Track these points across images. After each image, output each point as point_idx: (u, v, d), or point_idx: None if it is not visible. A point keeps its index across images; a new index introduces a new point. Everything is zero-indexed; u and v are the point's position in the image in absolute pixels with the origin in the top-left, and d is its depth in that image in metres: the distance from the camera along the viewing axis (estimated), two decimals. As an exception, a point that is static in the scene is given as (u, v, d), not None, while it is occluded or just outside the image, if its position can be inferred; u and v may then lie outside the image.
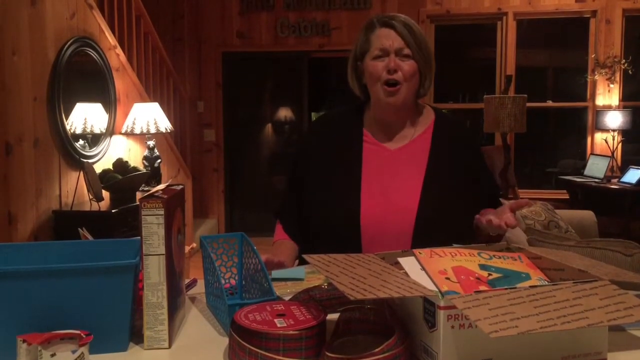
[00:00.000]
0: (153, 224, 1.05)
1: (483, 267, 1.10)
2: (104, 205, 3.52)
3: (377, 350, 0.89)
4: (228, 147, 6.50)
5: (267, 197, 6.34)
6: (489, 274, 1.08)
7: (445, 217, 1.52)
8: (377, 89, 1.54)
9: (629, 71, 5.83)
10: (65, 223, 3.32)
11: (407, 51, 1.52)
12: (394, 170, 1.57)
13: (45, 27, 3.31)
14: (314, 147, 1.67)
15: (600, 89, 5.95)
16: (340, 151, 1.62)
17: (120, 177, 3.69)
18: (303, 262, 1.51)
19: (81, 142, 3.70)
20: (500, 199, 1.72)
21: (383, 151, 1.60)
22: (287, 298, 1.18)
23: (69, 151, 3.50)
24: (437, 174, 1.56)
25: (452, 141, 1.62)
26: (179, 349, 1.08)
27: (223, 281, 1.32)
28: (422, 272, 1.09)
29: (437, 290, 1.00)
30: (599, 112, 5.85)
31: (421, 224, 1.50)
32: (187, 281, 1.41)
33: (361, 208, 1.52)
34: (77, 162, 3.58)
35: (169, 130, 4.50)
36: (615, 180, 5.44)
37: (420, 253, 1.14)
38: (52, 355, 0.92)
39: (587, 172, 5.71)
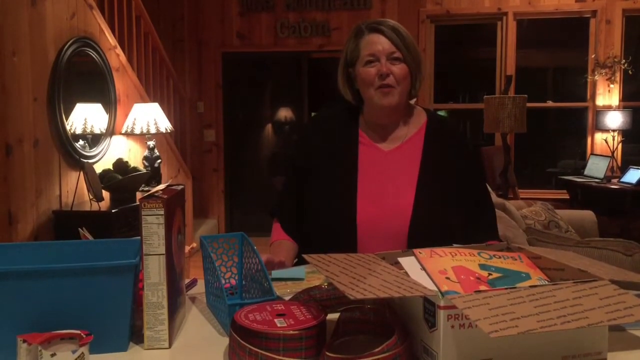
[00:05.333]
0: (153, 224, 1.05)
1: (483, 266, 1.10)
2: (104, 205, 3.52)
3: (377, 350, 0.89)
4: (228, 147, 6.50)
5: (267, 197, 6.33)
6: (489, 274, 1.08)
7: (440, 217, 1.53)
8: (371, 93, 1.55)
9: (629, 71, 5.83)
10: (65, 223, 3.32)
11: (397, 54, 1.53)
12: (388, 171, 1.58)
13: (45, 28, 3.31)
14: (310, 147, 1.68)
15: (600, 89, 5.95)
16: (337, 151, 1.62)
17: (120, 177, 3.69)
18: (302, 261, 1.51)
19: (81, 142, 3.70)
20: (499, 200, 1.72)
21: (377, 152, 1.61)
22: (287, 298, 1.18)
23: (69, 151, 3.50)
24: (430, 174, 1.57)
25: (444, 141, 1.63)
26: (179, 349, 1.08)
27: (223, 281, 1.32)
28: (422, 271, 1.09)
29: (437, 290, 1.00)
30: (599, 112, 5.85)
31: (416, 224, 1.51)
32: (187, 281, 1.41)
33: (357, 209, 1.53)
34: (77, 162, 3.58)
35: (169, 131, 4.50)
36: (615, 180, 5.44)
37: (420, 253, 1.14)
38: (52, 355, 0.92)
39: (587, 172, 5.71)
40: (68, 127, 3.52)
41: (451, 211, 1.55)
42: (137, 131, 4.22)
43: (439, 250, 1.16)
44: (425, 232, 1.50)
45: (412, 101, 1.70)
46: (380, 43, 1.53)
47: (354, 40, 1.60)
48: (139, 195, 3.80)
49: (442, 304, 0.90)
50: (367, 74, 1.54)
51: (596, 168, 5.61)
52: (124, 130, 4.25)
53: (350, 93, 1.65)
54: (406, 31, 1.57)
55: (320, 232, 1.58)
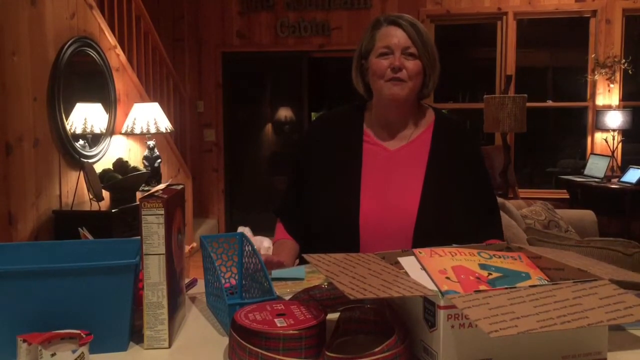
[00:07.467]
0: (153, 224, 1.05)
1: (483, 266, 1.10)
2: (104, 205, 3.52)
3: (377, 350, 0.89)
4: (228, 147, 6.50)
5: (267, 197, 6.35)
6: (489, 274, 1.08)
7: (446, 219, 1.51)
8: (380, 84, 1.53)
9: (629, 71, 5.83)
10: (65, 223, 3.33)
11: (412, 50, 1.51)
12: (393, 171, 1.56)
13: (45, 27, 3.31)
14: (315, 146, 1.67)
15: (600, 88, 5.95)
16: (341, 150, 1.61)
17: (120, 177, 3.69)
18: (303, 261, 1.51)
19: (81, 142, 3.70)
20: (499, 200, 1.71)
21: (383, 151, 1.59)
22: (287, 298, 1.18)
23: (69, 151, 3.51)
24: (437, 174, 1.55)
25: (452, 142, 1.61)
26: (179, 348, 1.08)
27: (223, 281, 1.32)
28: (422, 271, 1.09)
29: (437, 289, 1.00)
30: (599, 111, 5.85)
31: (421, 225, 1.49)
32: (187, 281, 1.41)
33: (360, 208, 1.52)
34: (77, 162, 3.58)
35: (169, 130, 4.50)
36: (615, 180, 5.44)
37: (420, 252, 1.14)
38: (53, 355, 0.92)
39: (587, 171, 5.71)
40: (68, 127, 3.52)
41: (457, 212, 1.53)
42: (137, 131, 4.22)
43: (438, 250, 1.16)
44: (431, 233, 1.48)
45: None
46: (397, 36, 1.51)
47: (370, 32, 1.57)
48: (139, 195, 3.81)
49: (442, 303, 0.90)
50: (379, 65, 1.52)
51: (596, 168, 5.61)
52: (124, 130, 4.25)
53: (362, 85, 1.63)
54: (425, 29, 1.55)
55: (322, 231, 1.57)
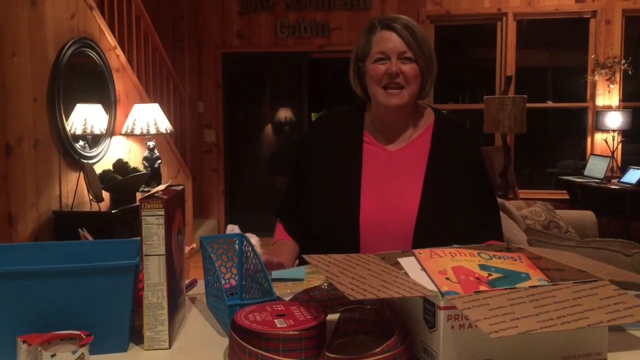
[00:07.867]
0: (153, 225, 1.05)
1: (483, 267, 1.10)
2: (104, 205, 3.52)
3: (377, 350, 0.89)
4: (228, 147, 6.51)
5: (267, 197, 6.34)
6: (489, 274, 1.08)
7: (446, 220, 1.51)
8: (378, 91, 1.53)
9: (629, 71, 5.83)
10: (65, 223, 3.33)
11: (409, 54, 1.50)
12: (393, 172, 1.56)
13: (45, 28, 3.31)
14: (315, 147, 1.66)
15: (600, 89, 5.95)
16: (341, 152, 1.61)
17: (120, 177, 3.69)
18: (303, 262, 1.51)
19: (81, 142, 3.70)
20: (499, 200, 1.71)
21: (383, 152, 1.59)
22: (287, 298, 1.18)
23: (69, 152, 3.51)
24: (437, 175, 1.55)
25: (451, 142, 1.61)
26: (179, 349, 1.08)
27: (223, 281, 1.32)
28: (422, 272, 1.09)
29: (437, 290, 1.00)
30: (599, 112, 5.85)
31: (422, 226, 1.49)
32: (187, 281, 1.41)
33: (360, 209, 1.52)
34: (77, 162, 3.58)
35: (169, 131, 4.50)
36: (615, 181, 5.44)
37: (420, 253, 1.14)
38: (53, 356, 0.92)
39: (587, 172, 5.71)
40: (68, 128, 3.52)
41: (457, 213, 1.53)
42: (137, 132, 4.22)
43: (438, 250, 1.16)
44: (431, 234, 1.48)
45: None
46: (392, 41, 1.50)
47: (366, 36, 1.57)
48: (139, 195, 3.80)
49: (442, 304, 0.90)
50: (375, 71, 1.52)
51: (596, 168, 5.61)
52: (124, 131, 4.25)
53: (360, 88, 1.63)
54: (420, 30, 1.53)
55: (322, 232, 1.57)
